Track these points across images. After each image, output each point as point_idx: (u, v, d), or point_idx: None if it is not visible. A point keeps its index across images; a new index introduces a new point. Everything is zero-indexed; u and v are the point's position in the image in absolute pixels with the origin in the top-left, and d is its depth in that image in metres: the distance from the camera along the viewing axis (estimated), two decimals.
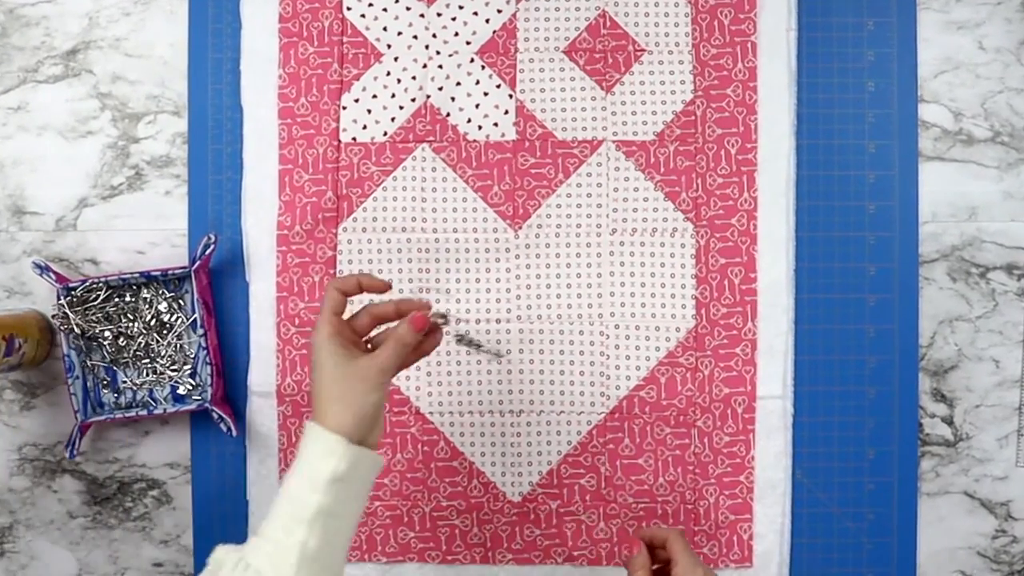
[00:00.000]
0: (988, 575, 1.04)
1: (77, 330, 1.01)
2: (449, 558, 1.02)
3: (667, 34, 1.03)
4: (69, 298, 1.01)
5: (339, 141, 1.03)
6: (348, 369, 0.81)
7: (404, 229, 1.03)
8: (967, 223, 1.03)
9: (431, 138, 1.03)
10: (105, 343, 1.02)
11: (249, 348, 1.03)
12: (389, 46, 1.04)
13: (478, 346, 0.99)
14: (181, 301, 1.03)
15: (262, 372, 1.02)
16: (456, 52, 1.03)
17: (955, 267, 1.03)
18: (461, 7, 1.04)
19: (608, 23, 1.03)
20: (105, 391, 1.03)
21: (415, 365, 1.00)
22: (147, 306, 1.03)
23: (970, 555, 1.04)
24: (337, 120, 1.03)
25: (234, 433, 1.00)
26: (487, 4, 1.03)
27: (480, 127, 1.03)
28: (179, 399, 1.03)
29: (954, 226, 1.03)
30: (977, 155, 1.03)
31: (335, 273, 1.03)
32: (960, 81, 1.04)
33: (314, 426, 0.80)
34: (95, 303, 1.02)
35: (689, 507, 1.02)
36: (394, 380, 1.02)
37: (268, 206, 1.03)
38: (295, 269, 1.03)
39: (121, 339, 1.03)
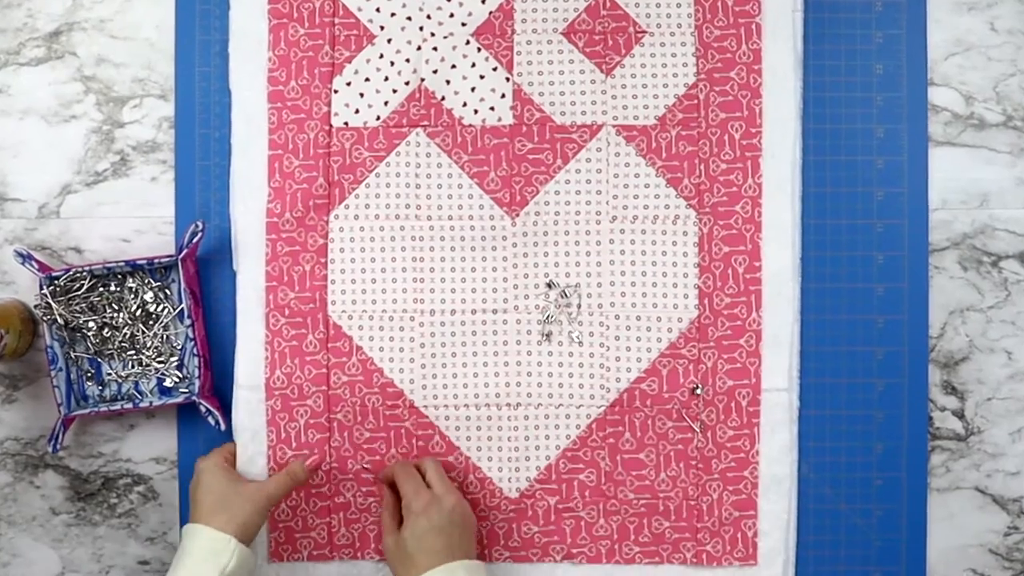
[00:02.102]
0: (1000, 573, 1.03)
1: (60, 321, 1.00)
2: None
3: (669, 15, 1.02)
4: (52, 288, 1.00)
5: (331, 126, 1.02)
6: (236, 488, 0.93)
7: (398, 216, 1.02)
8: (979, 210, 1.03)
9: (425, 123, 1.02)
10: (89, 334, 1.02)
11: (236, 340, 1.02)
12: (382, 27, 1.03)
13: None
14: (168, 291, 1.03)
15: (250, 365, 1.01)
16: (451, 34, 1.03)
17: (966, 255, 1.03)
18: None
19: (608, 4, 1.02)
20: (89, 383, 1.03)
21: (409, 357, 1.01)
22: (132, 296, 1.02)
23: (982, 552, 1.03)
24: (329, 104, 1.02)
25: (222, 427, 0.99)
26: None
27: (476, 111, 1.02)
28: (165, 392, 1.03)
29: (965, 213, 1.03)
30: (989, 140, 1.03)
31: (326, 262, 1.02)
32: (971, 64, 1.03)
33: (201, 527, 0.90)
34: (79, 293, 1.01)
35: (692, 503, 1.01)
36: (387, 373, 1.02)
37: (257, 193, 1.02)
38: (285, 258, 1.02)
39: (106, 330, 1.02)
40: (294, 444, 1.01)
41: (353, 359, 1.01)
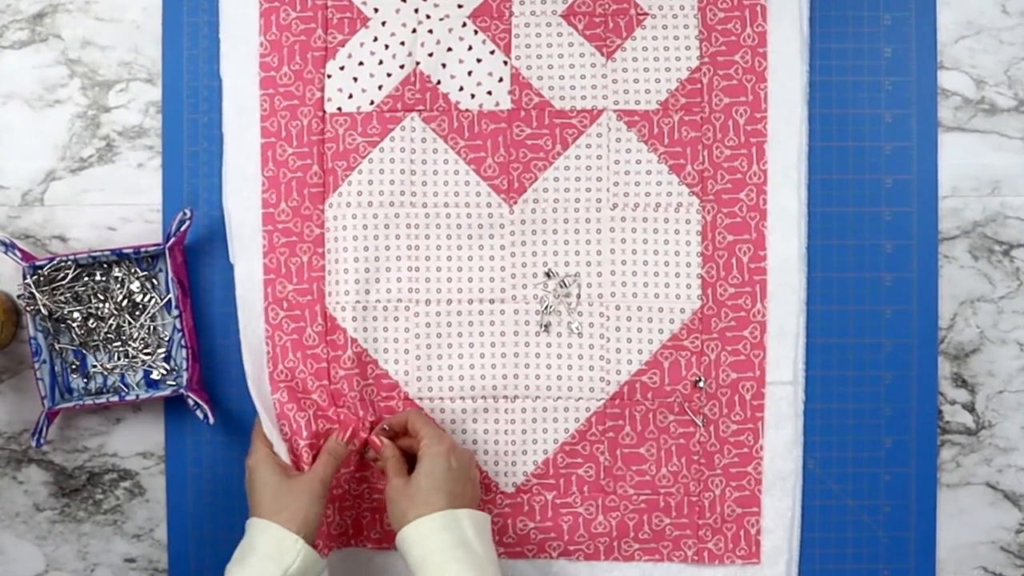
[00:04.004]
0: (1012, 571, 1.03)
1: (44, 311, 0.99)
2: None
3: None
4: (36, 277, 0.99)
5: (324, 112, 1.01)
6: (290, 483, 0.92)
7: (392, 204, 1.01)
8: (990, 197, 1.02)
9: (421, 107, 1.01)
10: (74, 325, 1.01)
11: (233, 333, 1.01)
12: (376, 10, 1.02)
13: None
14: (155, 280, 1.02)
15: (254, 360, 1.00)
16: (447, 16, 1.02)
17: (977, 244, 1.02)
18: None
19: None
20: (74, 376, 1.02)
21: (404, 348, 1.01)
22: (118, 286, 1.01)
23: (992, 550, 1.03)
24: (322, 89, 1.02)
25: (211, 420, 0.98)
26: None
27: (473, 95, 1.01)
28: (152, 384, 1.02)
29: (976, 201, 1.02)
30: (1000, 125, 1.02)
31: (323, 252, 1.00)
32: (982, 47, 1.02)
33: (268, 523, 0.89)
34: (63, 282, 1.00)
35: (693, 499, 1.01)
36: (381, 364, 1.01)
37: (251, 183, 1.01)
38: (282, 249, 1.00)
39: (91, 321, 1.01)
40: (305, 433, 0.98)
41: (348, 352, 1.00)
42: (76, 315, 1.01)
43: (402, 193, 1.01)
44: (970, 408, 1.02)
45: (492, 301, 1.01)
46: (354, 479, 1.01)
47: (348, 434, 0.97)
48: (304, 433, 0.98)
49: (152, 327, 1.02)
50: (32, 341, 0.99)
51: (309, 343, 1.00)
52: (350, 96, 1.02)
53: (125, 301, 1.01)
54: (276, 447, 0.96)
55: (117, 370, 1.02)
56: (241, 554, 0.89)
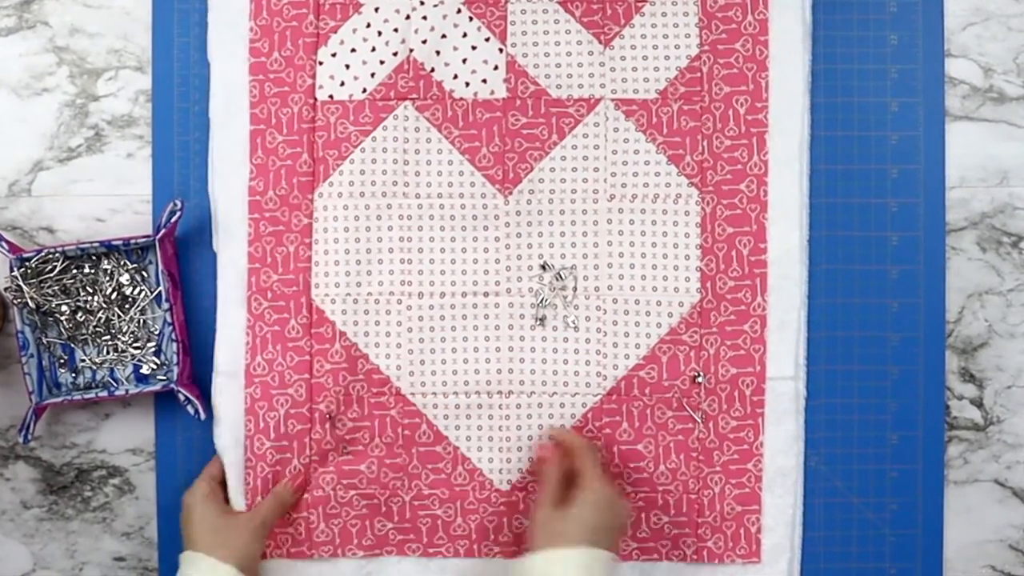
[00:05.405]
0: (1021, 570, 1.02)
1: (32, 304, 0.99)
2: (431, 551, 1.00)
3: None
4: (23, 269, 0.99)
5: (315, 99, 1.01)
6: (229, 520, 0.95)
7: (384, 194, 1.00)
8: (998, 188, 1.01)
9: (414, 95, 1.01)
10: (62, 318, 1.01)
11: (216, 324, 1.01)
12: None
13: None
14: (144, 273, 1.01)
15: (229, 350, 1.00)
16: (441, 2, 1.01)
17: (985, 236, 1.01)
18: None
19: None
20: (62, 370, 1.02)
21: (396, 343, 1.00)
22: (107, 278, 1.01)
23: (1001, 548, 1.02)
24: (313, 76, 1.01)
25: (202, 416, 0.98)
26: None
27: (467, 84, 1.01)
28: (142, 379, 1.02)
29: (984, 191, 1.01)
30: (1009, 114, 1.02)
31: (311, 243, 1.00)
32: (990, 34, 1.01)
33: (203, 556, 0.90)
34: (51, 275, 1.00)
35: (692, 497, 1.00)
36: (372, 359, 1.00)
37: (238, 170, 1.00)
38: (268, 238, 1.00)
39: (79, 314, 1.01)
40: (272, 435, 0.99)
41: (336, 346, 1.00)
42: (64, 308, 1.00)
43: (395, 183, 1.00)
44: (978, 403, 1.02)
45: (486, 294, 1.00)
46: (340, 485, 1.00)
47: (299, 482, 0.99)
48: (272, 435, 0.98)
49: (142, 320, 1.01)
50: (19, 335, 0.98)
51: (292, 335, 1.00)
52: (342, 84, 1.01)
53: (114, 294, 1.01)
54: (231, 473, 0.98)
55: (106, 364, 1.01)
56: None
